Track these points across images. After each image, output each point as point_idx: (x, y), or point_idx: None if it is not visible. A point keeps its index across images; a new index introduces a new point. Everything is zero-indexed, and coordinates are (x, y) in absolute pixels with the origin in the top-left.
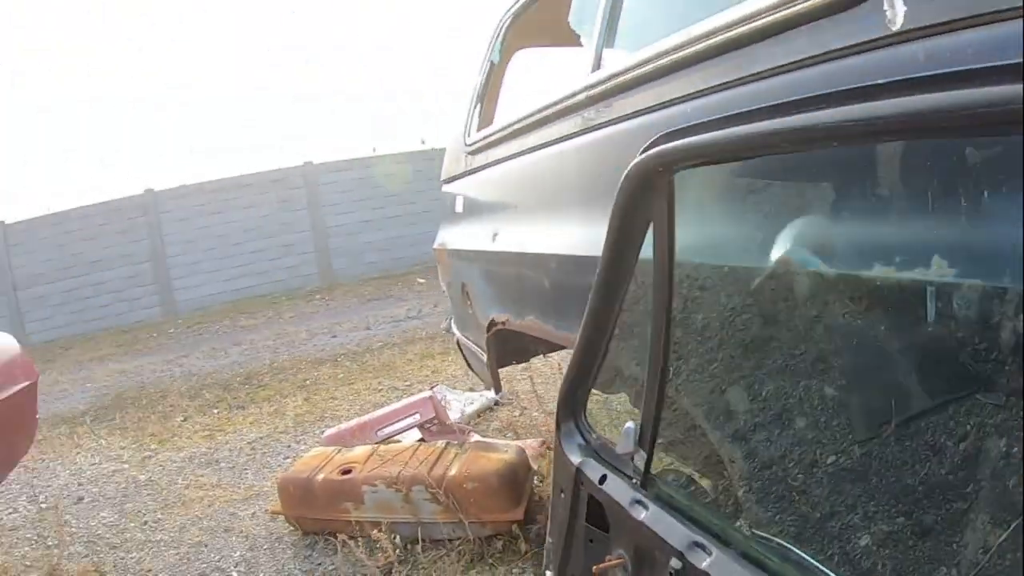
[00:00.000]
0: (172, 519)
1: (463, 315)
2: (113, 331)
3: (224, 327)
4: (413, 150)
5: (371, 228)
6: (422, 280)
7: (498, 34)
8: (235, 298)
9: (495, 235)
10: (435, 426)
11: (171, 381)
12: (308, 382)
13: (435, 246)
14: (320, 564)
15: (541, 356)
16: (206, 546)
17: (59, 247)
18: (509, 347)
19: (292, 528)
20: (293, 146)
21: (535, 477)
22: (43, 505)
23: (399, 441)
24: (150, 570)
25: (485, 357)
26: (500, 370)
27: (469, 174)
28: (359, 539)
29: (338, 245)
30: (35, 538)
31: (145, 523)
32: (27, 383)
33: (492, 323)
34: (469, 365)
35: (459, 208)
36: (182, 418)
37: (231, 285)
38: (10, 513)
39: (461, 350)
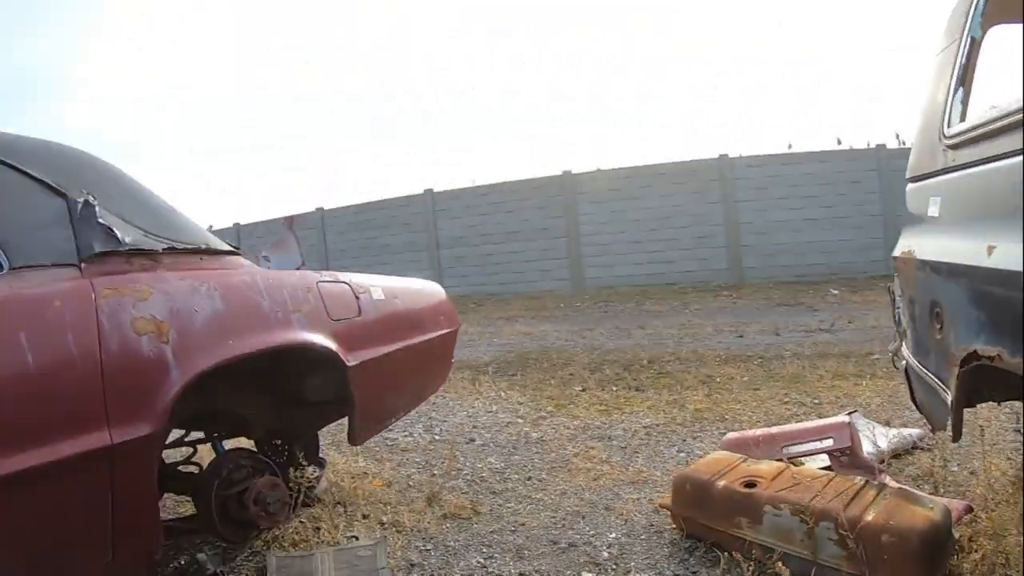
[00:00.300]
0: (555, 482)
1: (924, 339)
2: (523, 296)
3: (629, 309)
4: (831, 149)
5: (785, 229)
6: (835, 291)
7: (975, 5)
8: (642, 283)
9: (991, 248)
10: (846, 457)
11: (574, 351)
12: (712, 378)
13: (897, 253)
14: (696, 573)
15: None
16: (583, 518)
17: (482, 216)
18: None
19: (674, 527)
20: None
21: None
22: (436, 438)
23: (803, 463)
24: (523, 524)
25: (948, 395)
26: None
27: (951, 171)
28: (751, 561)
29: (750, 243)
30: (423, 464)
31: (528, 478)
32: (450, 329)
33: (972, 356)
34: (913, 398)
35: (934, 211)
36: (580, 388)
37: (640, 269)
38: (406, 436)
39: (909, 379)
